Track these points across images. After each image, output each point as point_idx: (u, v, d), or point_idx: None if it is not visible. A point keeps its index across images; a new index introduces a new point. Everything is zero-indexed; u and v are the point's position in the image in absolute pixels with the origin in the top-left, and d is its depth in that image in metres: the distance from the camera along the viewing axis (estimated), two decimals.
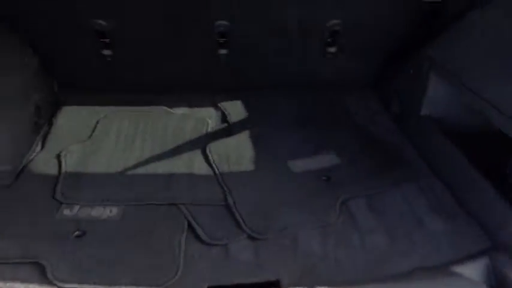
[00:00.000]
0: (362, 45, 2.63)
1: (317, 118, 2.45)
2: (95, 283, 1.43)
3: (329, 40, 2.57)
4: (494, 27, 1.94)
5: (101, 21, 2.29)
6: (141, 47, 2.48)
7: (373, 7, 2.40)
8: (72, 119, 2.35)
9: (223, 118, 2.46)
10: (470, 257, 1.63)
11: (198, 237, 1.65)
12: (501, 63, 1.80)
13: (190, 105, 2.56)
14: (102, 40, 2.40)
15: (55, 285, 1.43)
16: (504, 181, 1.77)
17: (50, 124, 2.32)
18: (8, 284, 1.42)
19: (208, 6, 2.30)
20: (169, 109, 2.50)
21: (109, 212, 1.71)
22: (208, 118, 2.44)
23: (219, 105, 2.56)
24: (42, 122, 2.27)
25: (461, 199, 1.89)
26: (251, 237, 1.66)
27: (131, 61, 2.55)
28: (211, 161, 2.01)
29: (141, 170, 1.95)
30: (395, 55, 2.69)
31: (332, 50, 2.62)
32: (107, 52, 2.46)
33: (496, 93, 1.75)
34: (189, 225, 1.69)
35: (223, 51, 2.54)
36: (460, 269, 1.57)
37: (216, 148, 2.10)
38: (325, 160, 2.08)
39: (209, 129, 2.32)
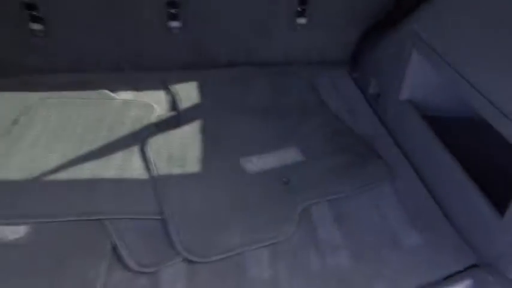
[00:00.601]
0: (336, 16, 2.29)
1: (282, 104, 2.12)
2: None
3: (299, 9, 2.22)
4: None
5: None
6: (78, 18, 2.11)
7: None
8: None
9: (173, 104, 2.12)
10: (451, 278, 1.37)
11: (123, 263, 1.35)
12: (499, 43, 1.48)
13: (136, 88, 2.21)
14: (30, 13, 2.03)
15: None
16: (493, 181, 1.48)
17: None
18: None
19: None
20: (111, 93, 2.14)
21: (14, 233, 1.40)
22: (155, 104, 2.09)
23: (170, 87, 2.21)
24: None
25: (444, 203, 1.60)
26: (188, 261, 1.37)
27: (67, 36, 2.18)
28: (150, 161, 1.69)
29: (61, 176, 1.61)
30: (374, 29, 2.33)
31: (302, 21, 2.30)
32: (37, 27, 2.10)
33: (488, 81, 1.43)
34: (114, 247, 1.39)
35: (174, 24, 2.20)
36: None
37: (157, 144, 1.77)
38: (287, 157, 1.77)
39: (154, 119, 1.98)
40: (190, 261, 1.36)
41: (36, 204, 1.49)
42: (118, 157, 1.72)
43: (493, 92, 1.39)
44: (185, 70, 2.36)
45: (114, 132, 1.86)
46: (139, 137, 1.83)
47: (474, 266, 1.41)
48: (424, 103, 1.91)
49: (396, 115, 1.98)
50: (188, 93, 2.17)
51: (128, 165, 1.68)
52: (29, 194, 1.53)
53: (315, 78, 2.38)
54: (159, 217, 1.49)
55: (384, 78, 2.09)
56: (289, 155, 1.78)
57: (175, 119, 1.99)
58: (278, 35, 2.36)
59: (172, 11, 2.15)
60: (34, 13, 2.05)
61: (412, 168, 1.78)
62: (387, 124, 2.04)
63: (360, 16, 2.29)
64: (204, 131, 1.88)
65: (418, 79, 1.88)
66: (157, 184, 1.60)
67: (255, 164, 1.72)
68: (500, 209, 1.35)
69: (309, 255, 1.41)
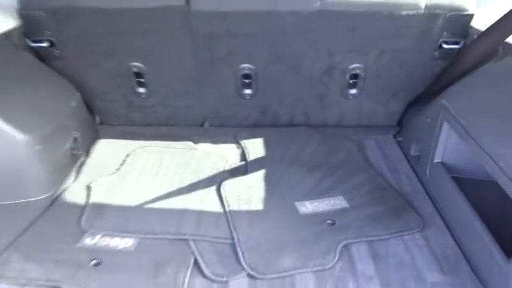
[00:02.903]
0: (383, 89, 2.71)
1: (332, 161, 2.52)
2: None
3: (350, 82, 2.67)
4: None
5: (138, 64, 2.55)
6: (172, 85, 2.71)
7: (393, 53, 2.49)
8: (105, 152, 2.58)
9: (243, 155, 2.60)
10: None
11: (201, 273, 1.77)
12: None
13: (214, 141, 2.73)
14: (137, 80, 2.65)
15: None
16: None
17: (87, 155, 2.56)
18: None
19: (234, 52, 2.49)
20: (194, 144, 2.68)
21: (125, 243, 1.88)
22: (228, 155, 2.59)
23: (240, 142, 2.71)
24: (79, 153, 2.51)
25: (466, 251, 1.89)
26: (251, 276, 1.76)
27: (163, 98, 2.77)
28: (223, 199, 2.15)
29: (158, 205, 2.12)
30: (416, 100, 2.73)
31: (353, 91, 2.72)
32: (141, 90, 2.71)
33: (504, 155, 1.74)
34: (195, 260, 1.83)
35: (247, 91, 2.72)
36: None
37: (229, 186, 2.24)
38: (334, 204, 2.15)
39: (227, 167, 2.46)
40: (252, 277, 1.76)
41: (141, 224, 1.99)
42: (200, 194, 2.21)
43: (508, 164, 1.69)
44: (253, 128, 2.87)
45: (196, 175, 2.36)
46: (216, 180, 2.32)
47: None
48: (454, 165, 2.23)
49: (431, 175, 2.31)
50: (255, 147, 2.65)
51: (207, 201, 2.16)
52: (136, 217, 2.03)
53: (362, 140, 2.78)
54: (230, 241, 1.91)
55: (423, 143, 2.45)
56: (336, 203, 2.16)
57: (244, 168, 2.47)
58: (332, 102, 2.81)
59: (247, 81, 2.68)
60: (140, 80, 2.67)
61: (442, 221, 2.09)
62: (424, 182, 2.37)
63: (403, 90, 2.70)
64: (266, 178, 2.33)
65: (448, 145, 2.23)
66: (228, 217, 2.04)
67: (307, 207, 2.12)
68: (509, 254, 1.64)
69: (347, 283, 1.75)
